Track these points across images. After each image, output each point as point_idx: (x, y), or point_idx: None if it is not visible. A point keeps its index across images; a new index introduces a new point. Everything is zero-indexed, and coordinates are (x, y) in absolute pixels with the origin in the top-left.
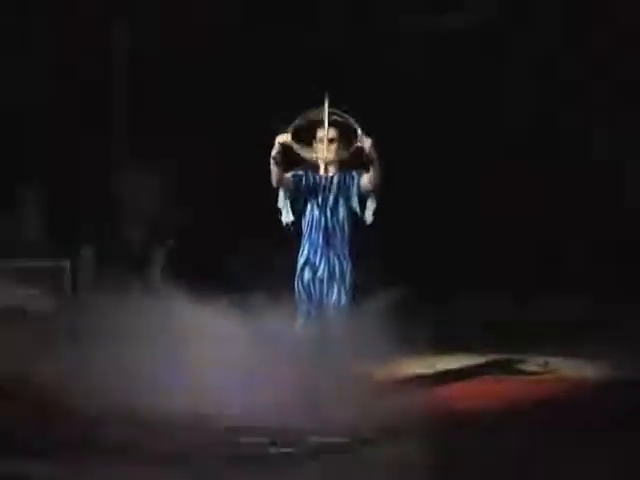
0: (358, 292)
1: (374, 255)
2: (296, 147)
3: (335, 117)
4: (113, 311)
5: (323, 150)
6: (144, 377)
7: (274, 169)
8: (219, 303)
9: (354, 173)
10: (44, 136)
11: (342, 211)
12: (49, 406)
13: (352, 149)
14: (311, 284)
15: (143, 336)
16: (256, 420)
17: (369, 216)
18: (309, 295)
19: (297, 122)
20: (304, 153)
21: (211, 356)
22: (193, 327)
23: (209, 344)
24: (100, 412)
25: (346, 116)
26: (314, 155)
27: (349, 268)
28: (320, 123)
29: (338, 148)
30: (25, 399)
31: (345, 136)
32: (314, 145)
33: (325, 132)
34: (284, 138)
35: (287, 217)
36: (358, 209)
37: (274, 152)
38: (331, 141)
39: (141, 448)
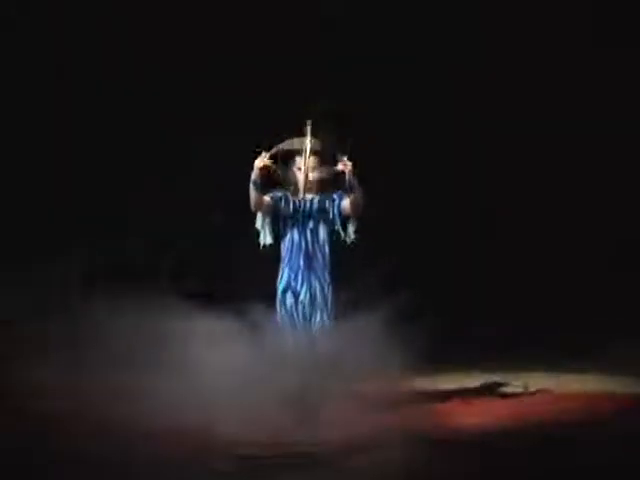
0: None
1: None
2: (279, 172)
3: (316, 147)
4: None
5: (303, 180)
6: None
7: (253, 194)
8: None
9: (335, 196)
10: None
11: (322, 233)
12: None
13: (331, 173)
14: (294, 308)
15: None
16: (248, 433)
17: (351, 235)
18: (292, 319)
19: (278, 147)
20: (284, 174)
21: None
22: (187, 335)
23: (203, 354)
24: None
25: (326, 143)
26: (292, 186)
27: (330, 291)
28: (300, 152)
29: (318, 175)
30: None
31: (325, 161)
32: (294, 172)
33: (306, 161)
34: (264, 162)
35: (265, 239)
36: (340, 229)
37: (254, 176)
38: (311, 168)
39: (126, 461)
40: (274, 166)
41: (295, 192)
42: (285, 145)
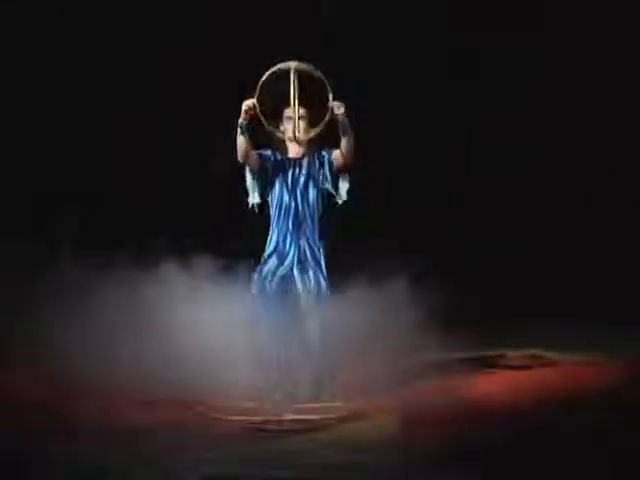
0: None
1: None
2: (262, 119)
3: (305, 69)
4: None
5: (292, 129)
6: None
7: (240, 139)
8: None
9: (324, 152)
10: None
11: (312, 194)
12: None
13: (326, 118)
14: (269, 277)
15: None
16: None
17: (343, 195)
18: (262, 289)
19: (263, 79)
20: (272, 129)
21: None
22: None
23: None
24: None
25: (318, 73)
26: (282, 132)
27: (322, 254)
28: (287, 97)
29: (307, 126)
30: None
31: (314, 112)
32: (281, 124)
33: (294, 109)
34: (250, 105)
35: (253, 198)
36: (332, 189)
37: (241, 119)
38: (300, 119)
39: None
40: (259, 110)
41: (284, 149)
42: (268, 75)
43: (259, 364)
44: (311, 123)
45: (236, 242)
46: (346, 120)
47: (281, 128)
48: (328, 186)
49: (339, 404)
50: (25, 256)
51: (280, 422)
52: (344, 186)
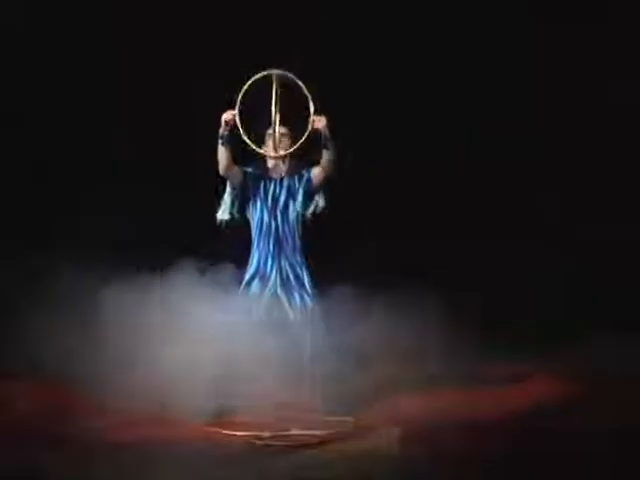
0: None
1: None
2: (242, 133)
3: (286, 77)
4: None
5: (273, 142)
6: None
7: (221, 150)
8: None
9: (304, 172)
10: None
11: (292, 214)
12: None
13: (305, 133)
14: (255, 301)
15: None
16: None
17: (311, 210)
18: (249, 314)
19: (244, 89)
20: (251, 143)
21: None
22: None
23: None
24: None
25: (300, 85)
26: (262, 148)
27: (305, 272)
28: (269, 117)
29: (290, 143)
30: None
31: (298, 131)
32: (264, 145)
33: (275, 116)
34: (231, 116)
35: (223, 214)
36: (300, 207)
37: (221, 130)
38: (282, 136)
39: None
40: (242, 130)
41: (265, 168)
42: (248, 84)
43: (265, 380)
44: (294, 141)
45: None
46: (327, 133)
47: (263, 149)
48: (300, 209)
49: (345, 419)
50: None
51: (287, 437)
52: (320, 204)
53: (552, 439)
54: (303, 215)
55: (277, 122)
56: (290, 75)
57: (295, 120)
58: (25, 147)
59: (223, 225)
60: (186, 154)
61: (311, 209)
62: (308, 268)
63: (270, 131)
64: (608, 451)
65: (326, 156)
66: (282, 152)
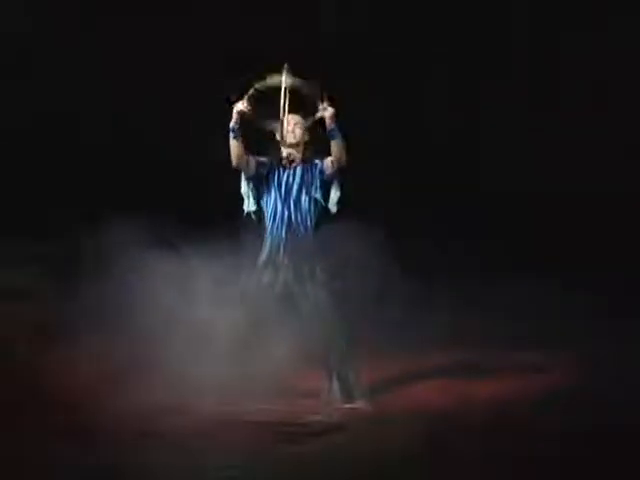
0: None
1: None
2: (255, 118)
3: (296, 85)
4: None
5: (282, 132)
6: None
7: (233, 143)
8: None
9: (317, 161)
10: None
11: (306, 204)
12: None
13: (310, 121)
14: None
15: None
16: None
17: (333, 205)
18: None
19: (255, 86)
20: (265, 125)
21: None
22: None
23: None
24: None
25: (309, 83)
26: (277, 128)
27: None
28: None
29: (302, 133)
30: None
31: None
32: (277, 132)
33: (285, 116)
34: (243, 107)
35: (249, 206)
36: (321, 198)
37: (232, 123)
38: (295, 124)
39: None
40: (251, 111)
41: (280, 157)
42: (261, 84)
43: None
44: (308, 129)
45: None
46: (332, 124)
47: (277, 136)
48: (318, 196)
49: (363, 406)
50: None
51: (304, 425)
52: (335, 195)
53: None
54: (322, 205)
55: (286, 111)
56: (299, 79)
57: (308, 109)
58: None
59: (252, 216)
60: None
61: (333, 200)
62: (321, 257)
63: (281, 118)
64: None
65: (334, 147)
66: (292, 140)
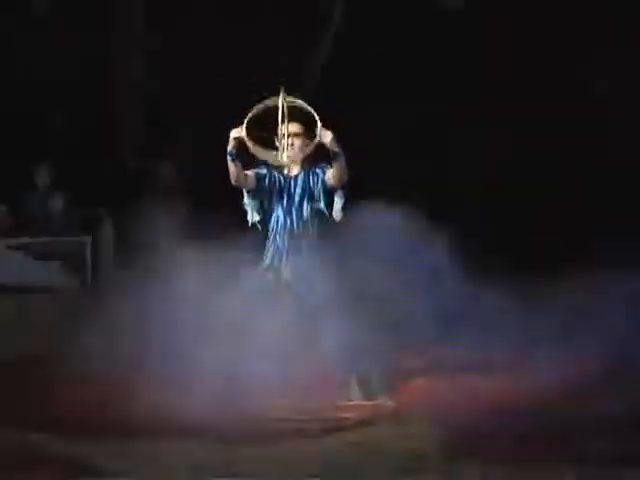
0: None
1: None
2: (251, 146)
3: (294, 105)
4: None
5: (285, 147)
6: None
7: (231, 166)
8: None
9: (318, 170)
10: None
11: (307, 212)
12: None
13: (311, 146)
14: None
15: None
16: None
17: (337, 213)
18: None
19: (253, 112)
20: (261, 155)
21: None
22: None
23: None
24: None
25: (306, 106)
26: (272, 155)
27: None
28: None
29: (303, 144)
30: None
31: (310, 128)
32: (276, 142)
33: (285, 127)
34: (239, 133)
35: (253, 217)
36: (324, 208)
37: (230, 147)
38: (296, 136)
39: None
40: (250, 143)
41: (279, 166)
42: (259, 108)
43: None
44: (308, 138)
45: None
46: (335, 146)
47: (277, 143)
48: (321, 205)
49: (383, 402)
50: None
51: (323, 420)
52: (338, 204)
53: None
54: (325, 214)
55: (286, 132)
56: (298, 101)
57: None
58: None
59: (257, 226)
60: None
61: (337, 210)
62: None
63: (283, 130)
64: None
65: (336, 169)
66: (287, 160)
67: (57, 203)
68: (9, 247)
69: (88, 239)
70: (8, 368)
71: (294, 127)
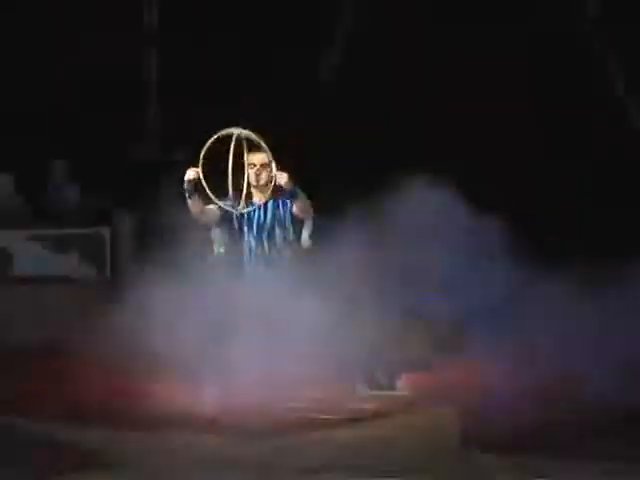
0: None
1: None
2: (207, 189)
3: (249, 137)
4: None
5: (250, 176)
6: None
7: (189, 202)
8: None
9: (287, 200)
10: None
11: (280, 237)
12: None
13: (270, 186)
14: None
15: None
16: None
17: (305, 242)
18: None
19: (205, 148)
20: (216, 200)
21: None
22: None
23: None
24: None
25: (262, 145)
26: (227, 202)
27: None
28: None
29: (268, 176)
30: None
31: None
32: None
33: (251, 157)
34: (193, 175)
35: (218, 249)
36: (294, 235)
37: (185, 185)
38: (262, 166)
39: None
40: (201, 178)
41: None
42: (210, 141)
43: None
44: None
45: None
46: (290, 187)
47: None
48: (290, 234)
49: (398, 393)
50: None
51: (338, 411)
52: (305, 233)
53: None
54: (297, 243)
55: (246, 174)
56: (253, 135)
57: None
58: None
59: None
60: None
61: (305, 238)
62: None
63: (250, 160)
64: None
65: (297, 206)
66: (247, 209)
67: (75, 195)
68: (28, 239)
69: (107, 231)
70: (25, 357)
71: (258, 159)
